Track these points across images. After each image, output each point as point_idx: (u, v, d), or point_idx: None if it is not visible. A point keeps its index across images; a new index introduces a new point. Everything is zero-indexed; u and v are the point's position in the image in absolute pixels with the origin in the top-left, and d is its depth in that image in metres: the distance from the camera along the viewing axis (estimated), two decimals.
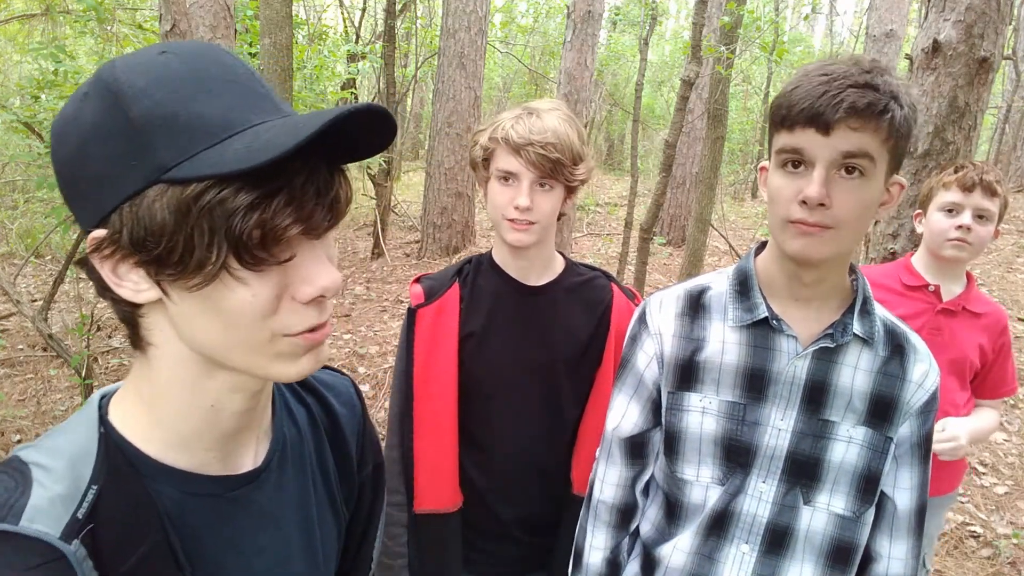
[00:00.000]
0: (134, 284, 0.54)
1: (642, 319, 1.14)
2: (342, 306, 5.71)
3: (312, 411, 0.76)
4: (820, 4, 11.61)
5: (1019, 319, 5.34)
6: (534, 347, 1.34)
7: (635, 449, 1.15)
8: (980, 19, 2.31)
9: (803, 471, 1.03)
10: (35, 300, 4.98)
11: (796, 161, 0.93)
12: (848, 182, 0.91)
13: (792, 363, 1.02)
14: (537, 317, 1.34)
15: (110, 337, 4.77)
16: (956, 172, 1.74)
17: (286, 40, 3.40)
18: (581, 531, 1.22)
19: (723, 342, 1.06)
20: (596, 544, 1.18)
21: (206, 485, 0.61)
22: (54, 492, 0.53)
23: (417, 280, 1.36)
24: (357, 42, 7.90)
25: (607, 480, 1.17)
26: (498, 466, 1.36)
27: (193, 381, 0.59)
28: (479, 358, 1.32)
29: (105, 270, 0.54)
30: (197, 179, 0.49)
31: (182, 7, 2.82)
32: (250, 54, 5.58)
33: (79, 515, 0.53)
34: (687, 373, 1.08)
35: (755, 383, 1.04)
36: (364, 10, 9.04)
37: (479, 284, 1.36)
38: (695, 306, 1.11)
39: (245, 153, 0.49)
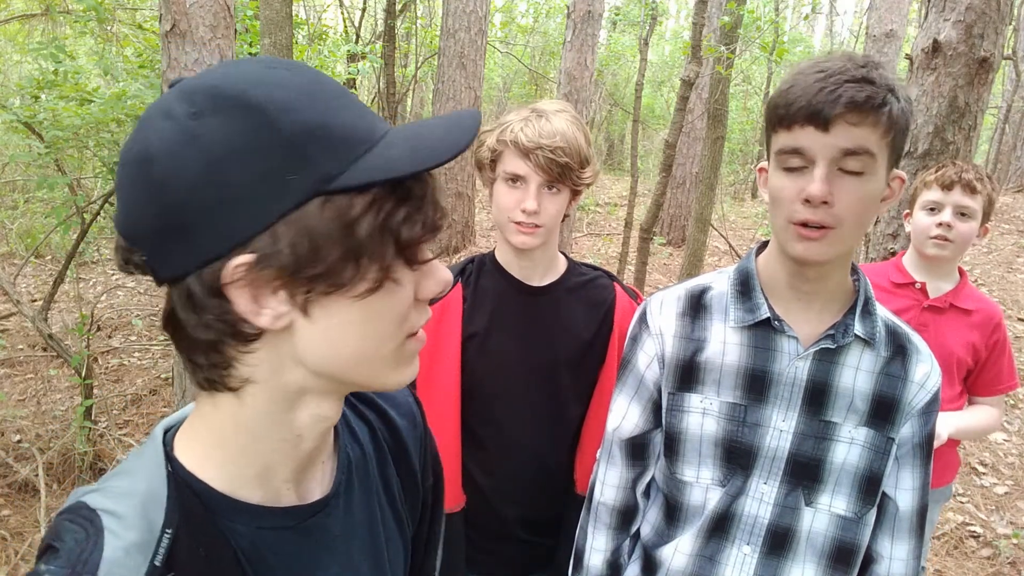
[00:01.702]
0: (274, 310, 0.51)
1: (643, 319, 1.14)
2: None
3: (374, 427, 0.74)
4: (820, 4, 11.61)
5: (1019, 319, 5.34)
6: (537, 347, 1.34)
7: (636, 450, 1.14)
8: (980, 19, 2.31)
9: (805, 472, 1.03)
10: (35, 300, 4.98)
11: (796, 160, 0.92)
12: (850, 179, 0.90)
13: (793, 364, 1.02)
14: (540, 317, 1.34)
15: (110, 337, 4.77)
16: (937, 171, 1.78)
17: (286, 40, 3.40)
18: (582, 533, 1.21)
19: (724, 343, 1.06)
20: (596, 546, 1.18)
21: (278, 518, 0.59)
22: (128, 540, 0.50)
23: None
24: (357, 42, 7.90)
25: (607, 482, 1.17)
26: (501, 466, 1.36)
27: (284, 413, 0.57)
28: (482, 358, 1.32)
29: (244, 299, 0.50)
30: (365, 186, 0.49)
31: (182, 7, 2.82)
32: (250, 54, 5.58)
33: (156, 563, 0.50)
34: (688, 374, 1.08)
35: (756, 384, 1.04)
36: (364, 10, 9.03)
37: (482, 284, 1.36)
38: (696, 306, 1.10)
39: (412, 155, 0.50)
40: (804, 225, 0.92)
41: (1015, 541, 2.99)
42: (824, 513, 1.03)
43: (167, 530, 0.51)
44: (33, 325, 3.28)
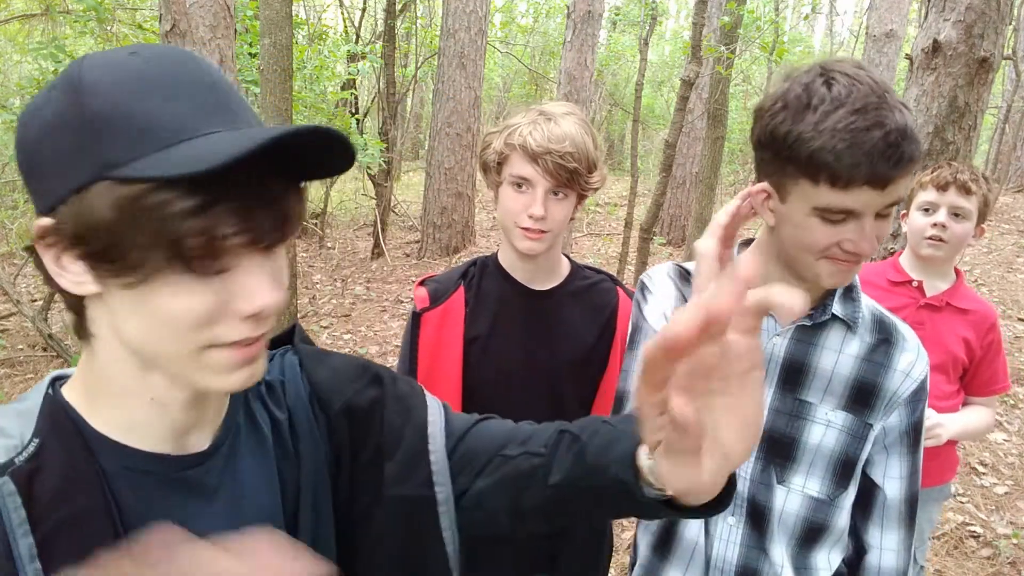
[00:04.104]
0: (74, 276, 0.55)
1: (643, 288, 1.17)
2: (342, 306, 5.71)
3: (276, 417, 0.72)
4: (820, 4, 11.61)
5: (1019, 319, 5.34)
6: (539, 351, 1.33)
7: None
8: (980, 19, 2.31)
9: (777, 450, 1.05)
10: (35, 300, 4.98)
11: (842, 216, 0.90)
12: (881, 221, 0.91)
13: (771, 341, 1.05)
14: (542, 321, 1.34)
15: None
16: (932, 172, 1.79)
17: (286, 40, 3.40)
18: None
19: None
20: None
21: (150, 462, 0.61)
22: (1, 441, 0.56)
23: (422, 283, 1.35)
24: (357, 42, 7.90)
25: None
26: None
27: (132, 375, 0.59)
28: (484, 362, 1.32)
29: (48, 258, 0.55)
30: (142, 179, 0.49)
31: (182, 7, 2.82)
32: (250, 54, 5.58)
33: (16, 460, 0.55)
34: None
35: None
36: (364, 10, 9.04)
37: (484, 288, 1.35)
38: (685, 277, 1.16)
39: (191, 159, 0.49)
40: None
41: (1015, 541, 2.99)
42: (797, 494, 1.06)
43: (35, 438, 0.57)
44: (33, 325, 3.29)
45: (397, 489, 0.72)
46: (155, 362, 0.58)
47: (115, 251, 0.52)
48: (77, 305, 0.59)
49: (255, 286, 0.55)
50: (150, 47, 0.56)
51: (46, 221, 0.53)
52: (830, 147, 0.85)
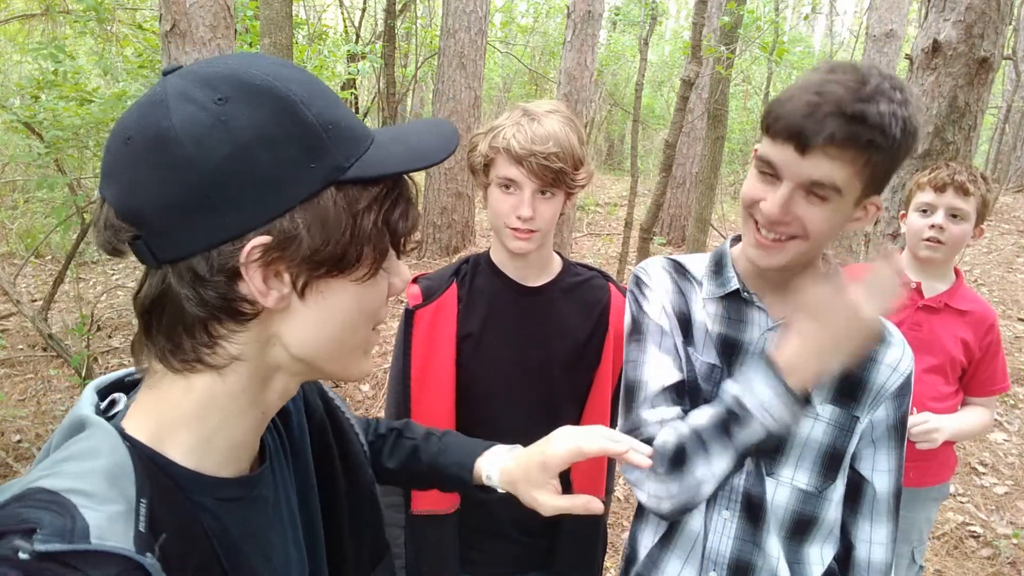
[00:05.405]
0: (278, 291, 0.54)
1: (638, 282, 1.17)
2: None
3: (277, 424, 0.75)
4: (820, 4, 11.61)
5: (1019, 319, 5.34)
6: (532, 348, 1.34)
7: (679, 394, 1.08)
8: (980, 19, 2.31)
9: None
10: (35, 300, 4.98)
11: (769, 171, 0.94)
12: (812, 202, 0.92)
13: (764, 335, 1.06)
14: (535, 318, 1.34)
15: (110, 337, 4.77)
16: (930, 173, 1.79)
17: (286, 40, 3.40)
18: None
19: (703, 309, 1.12)
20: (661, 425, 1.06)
21: (233, 488, 0.60)
22: (107, 512, 0.47)
23: (414, 280, 1.36)
24: (357, 42, 7.90)
25: (653, 420, 1.04)
26: None
27: (258, 391, 0.59)
28: (477, 359, 1.32)
29: (257, 279, 0.52)
30: (376, 178, 0.55)
31: (182, 7, 2.82)
32: None
33: (140, 529, 0.49)
34: (684, 327, 1.12)
35: (728, 350, 1.08)
36: (364, 10, 9.04)
37: (477, 285, 1.36)
38: (680, 270, 1.17)
39: (412, 154, 0.57)
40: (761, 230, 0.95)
41: (1015, 541, 2.99)
42: (786, 486, 1.07)
43: (142, 500, 0.50)
44: (33, 325, 3.29)
45: (364, 476, 0.85)
46: (321, 359, 0.59)
47: (352, 250, 0.55)
48: (226, 333, 0.55)
49: (403, 266, 0.64)
50: (269, 56, 0.56)
51: (264, 239, 0.51)
52: (781, 102, 0.90)
